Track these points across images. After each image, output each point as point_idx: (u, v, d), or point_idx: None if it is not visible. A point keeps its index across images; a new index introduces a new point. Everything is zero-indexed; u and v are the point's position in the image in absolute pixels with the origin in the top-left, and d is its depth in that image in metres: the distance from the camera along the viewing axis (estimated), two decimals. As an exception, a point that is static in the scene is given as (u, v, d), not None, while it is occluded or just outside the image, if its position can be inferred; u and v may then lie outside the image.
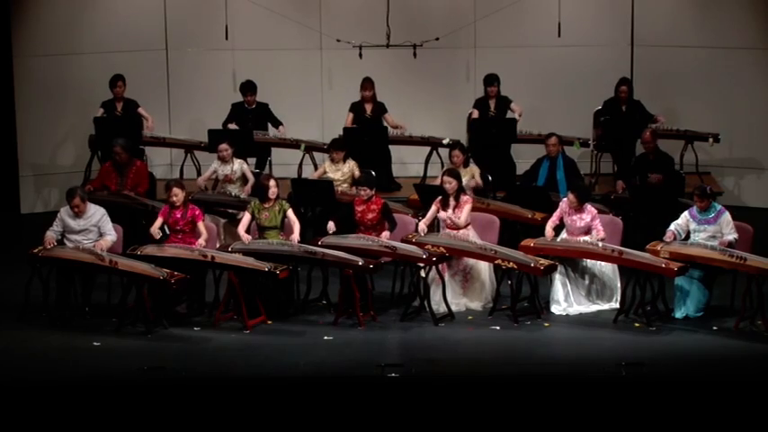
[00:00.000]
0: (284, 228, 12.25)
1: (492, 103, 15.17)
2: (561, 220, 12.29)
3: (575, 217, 12.19)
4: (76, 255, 11.82)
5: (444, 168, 13.05)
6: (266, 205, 12.23)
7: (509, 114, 15.13)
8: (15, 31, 15.73)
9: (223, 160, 13.79)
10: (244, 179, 13.76)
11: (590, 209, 12.21)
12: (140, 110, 15.17)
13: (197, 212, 12.23)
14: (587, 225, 12.13)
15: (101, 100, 15.17)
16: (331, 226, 12.27)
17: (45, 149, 16.11)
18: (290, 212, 12.25)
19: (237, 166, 13.80)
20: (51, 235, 12.06)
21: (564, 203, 12.30)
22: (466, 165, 13.67)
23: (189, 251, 11.93)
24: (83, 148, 15.51)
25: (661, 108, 15.82)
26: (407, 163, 16.00)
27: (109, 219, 12.09)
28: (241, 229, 12.27)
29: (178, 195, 12.17)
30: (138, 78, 15.76)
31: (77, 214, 12.02)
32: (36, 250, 11.97)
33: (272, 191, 12.19)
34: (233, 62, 16.32)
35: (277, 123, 15.35)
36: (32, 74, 15.86)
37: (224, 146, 13.78)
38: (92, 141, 15.18)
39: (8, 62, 15.70)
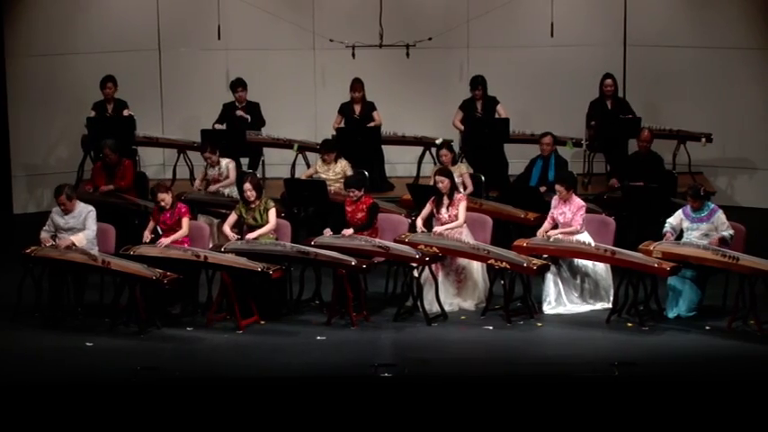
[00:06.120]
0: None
1: (479, 104, 15.17)
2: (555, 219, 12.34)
3: (562, 210, 12.22)
4: (69, 255, 11.81)
5: (435, 168, 13.05)
6: (251, 206, 12.23)
7: (495, 116, 15.12)
8: (8, 31, 15.71)
9: (210, 165, 13.80)
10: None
11: (576, 201, 12.23)
12: (125, 111, 15.12)
13: (183, 210, 12.25)
14: (573, 216, 12.16)
15: (93, 100, 15.16)
16: (327, 232, 12.30)
17: (38, 149, 16.10)
18: (272, 212, 12.22)
19: (224, 165, 13.80)
20: (45, 236, 12.08)
21: (554, 200, 12.33)
22: (454, 163, 13.68)
23: (182, 251, 11.93)
24: (75, 148, 15.49)
25: (653, 108, 15.84)
26: (400, 163, 15.99)
27: (94, 216, 12.08)
28: (226, 227, 12.33)
29: (165, 200, 12.20)
30: (130, 79, 15.75)
31: (64, 212, 12.03)
32: (29, 250, 11.96)
33: (248, 194, 12.18)
34: (226, 62, 16.31)
35: (260, 124, 15.32)
36: (25, 74, 15.84)
37: (207, 154, 13.78)
38: (84, 141, 15.16)
39: (0, 62, 15.68)
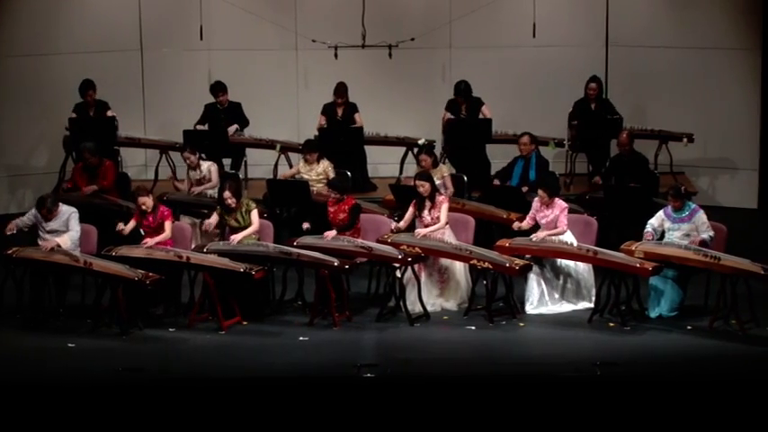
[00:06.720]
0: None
1: (463, 107, 15.15)
2: (536, 220, 12.35)
3: (545, 212, 12.24)
4: (50, 256, 11.78)
5: (416, 172, 13.04)
6: (233, 208, 12.23)
7: (480, 117, 15.12)
8: (-10, 32, 15.71)
9: (190, 167, 13.75)
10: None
11: (559, 203, 12.26)
12: (109, 112, 15.09)
13: (166, 213, 12.22)
14: (555, 218, 12.17)
15: (75, 101, 15.12)
16: (306, 226, 12.32)
17: (19, 150, 16.05)
18: (254, 213, 12.20)
19: (206, 168, 13.76)
20: (12, 227, 11.99)
21: (536, 202, 12.35)
22: (435, 165, 13.67)
23: (164, 252, 11.91)
24: (57, 149, 15.44)
25: (635, 108, 15.87)
26: (383, 163, 15.99)
27: (77, 217, 12.05)
28: (207, 221, 12.35)
29: (146, 204, 12.17)
30: (112, 79, 15.72)
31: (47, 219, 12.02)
32: (10, 251, 11.92)
33: (228, 202, 12.17)
34: (208, 62, 16.29)
35: (244, 124, 15.31)
36: (6, 74, 15.80)
37: (186, 154, 13.72)
38: (66, 142, 15.12)
39: (-17, 62, 15.69)
